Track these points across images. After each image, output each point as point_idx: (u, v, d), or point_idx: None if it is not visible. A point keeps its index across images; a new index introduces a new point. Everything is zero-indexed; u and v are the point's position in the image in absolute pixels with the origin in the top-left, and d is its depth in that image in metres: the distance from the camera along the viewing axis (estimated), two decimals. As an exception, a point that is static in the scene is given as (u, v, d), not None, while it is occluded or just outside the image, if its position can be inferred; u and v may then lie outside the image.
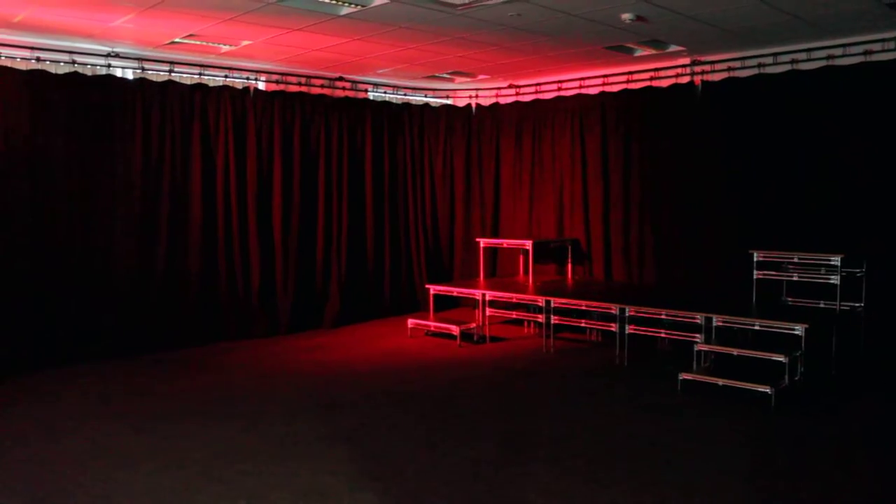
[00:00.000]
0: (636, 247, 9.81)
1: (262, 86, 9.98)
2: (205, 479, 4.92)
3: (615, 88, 10.03)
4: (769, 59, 8.62)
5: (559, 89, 10.70)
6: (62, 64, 8.30)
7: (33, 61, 8.11)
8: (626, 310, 7.88)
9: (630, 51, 8.99)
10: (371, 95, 11.20)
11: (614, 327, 8.02)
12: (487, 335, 9.35)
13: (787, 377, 6.63)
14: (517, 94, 11.31)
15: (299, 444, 5.60)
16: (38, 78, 8.08)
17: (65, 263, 8.29)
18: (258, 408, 6.57)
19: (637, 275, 9.79)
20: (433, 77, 11.05)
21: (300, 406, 6.61)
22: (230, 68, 9.56)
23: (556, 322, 8.58)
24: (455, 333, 9.20)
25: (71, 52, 8.33)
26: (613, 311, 7.99)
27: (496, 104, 11.52)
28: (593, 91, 10.27)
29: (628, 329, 7.92)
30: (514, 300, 9.10)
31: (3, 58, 7.94)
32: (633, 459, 5.26)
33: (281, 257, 10.03)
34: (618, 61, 9.54)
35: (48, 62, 8.21)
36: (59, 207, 8.25)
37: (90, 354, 8.29)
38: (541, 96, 10.95)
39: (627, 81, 9.90)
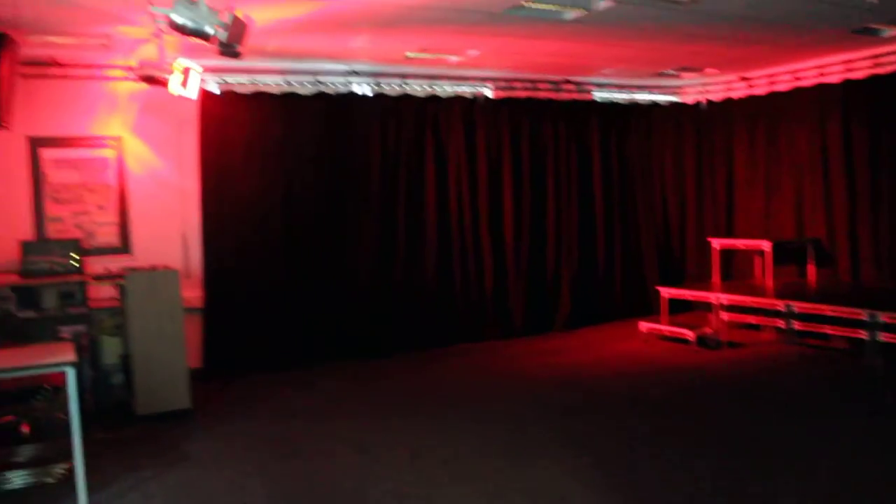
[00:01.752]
0: (887, 247, 9.01)
1: (489, 93, 10.25)
2: (444, 475, 5.17)
3: (860, 74, 9.28)
4: None
5: (795, 79, 10.09)
6: (307, 85, 9.03)
7: (284, 84, 8.90)
8: (878, 315, 7.30)
9: (877, 32, 8.29)
10: (597, 96, 11.15)
11: (864, 335, 7.45)
12: (724, 340, 9.01)
13: None
14: (749, 86, 10.79)
15: (536, 446, 5.71)
16: (290, 99, 8.89)
17: (314, 271, 9.00)
18: (495, 409, 6.78)
19: (889, 277, 9.00)
20: (660, 74, 10.81)
21: (536, 408, 6.74)
22: (459, 78, 9.91)
23: (798, 328, 8.11)
24: (690, 338, 8.95)
25: (315, 74, 9.03)
26: (863, 317, 7.43)
27: (727, 99, 11.06)
28: (834, 79, 9.58)
29: (880, 337, 7.32)
30: (751, 304, 8.71)
31: (259, 84, 8.78)
32: (884, 485, 4.87)
33: (513, 261, 10.22)
34: (862, 44, 8.84)
35: (296, 84, 8.96)
36: (308, 220, 9.00)
37: (338, 355, 8.94)
38: (775, 88, 10.38)
39: (875, 66, 9.14)
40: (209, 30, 5.07)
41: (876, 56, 9.09)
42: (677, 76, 10.98)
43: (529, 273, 10.36)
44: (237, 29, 5.04)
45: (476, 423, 6.35)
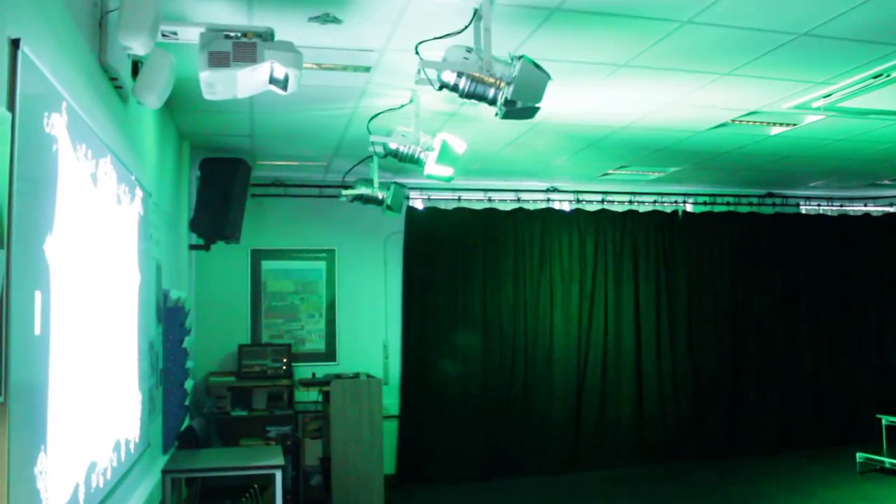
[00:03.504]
0: None
1: (690, 207, 10.11)
2: None
3: None
4: None
5: None
6: (508, 202, 9.33)
7: (485, 200, 9.25)
8: None
9: None
10: (804, 209, 10.69)
11: None
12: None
13: None
14: (980, 194, 9.99)
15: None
16: (489, 214, 9.24)
17: (506, 392, 9.09)
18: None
19: None
20: (873, 184, 10.25)
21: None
22: (659, 193, 9.87)
23: None
24: (915, 472, 8.15)
25: (516, 191, 9.33)
26: None
27: (951, 206, 10.29)
28: None
29: None
30: None
31: (462, 200, 9.17)
32: None
33: (713, 378, 9.80)
34: None
35: (497, 201, 9.28)
36: (506, 328, 9.13)
37: (525, 470, 8.92)
38: None
39: None
40: (420, 155, 5.40)
41: None
42: (894, 185, 10.35)
43: (730, 392, 9.88)
44: (449, 154, 5.30)
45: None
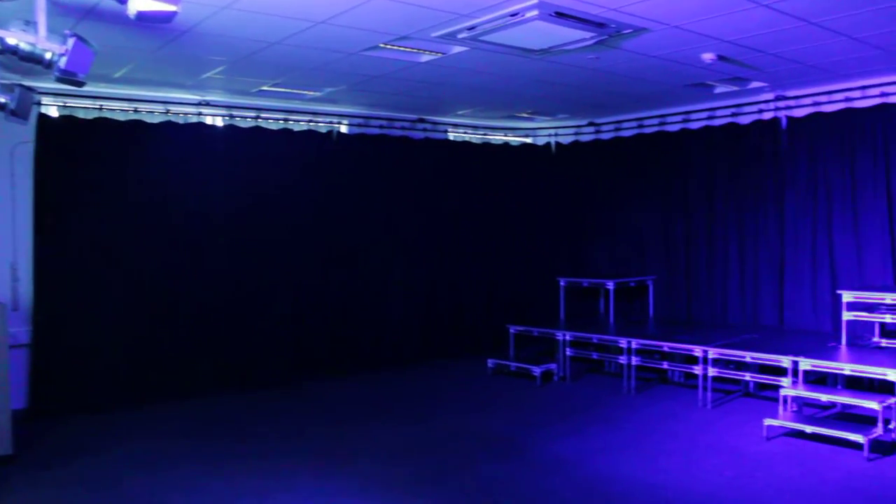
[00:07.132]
0: (720, 284, 9.66)
1: (344, 129, 10.24)
2: None
3: (696, 126, 9.93)
4: (857, 94, 8.42)
5: (640, 127, 10.66)
6: (156, 114, 8.74)
7: (131, 112, 8.57)
8: (710, 352, 7.74)
9: (711, 88, 8.87)
10: (451, 136, 11.34)
11: (697, 370, 7.88)
12: (568, 375, 9.29)
13: (880, 425, 6.38)
14: (598, 132, 11.28)
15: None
16: (136, 127, 8.56)
17: (154, 305, 8.69)
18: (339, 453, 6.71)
19: (721, 314, 9.62)
20: (512, 116, 11.14)
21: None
22: (314, 113, 9.87)
23: (639, 363, 8.49)
24: (536, 374, 9.17)
25: (165, 103, 8.77)
26: (696, 354, 7.85)
27: (576, 142, 11.52)
28: (674, 128, 10.20)
29: (711, 372, 7.78)
30: (594, 340, 9.03)
31: (104, 110, 8.40)
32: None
33: (361, 296, 10.22)
34: (699, 98, 9.45)
35: (144, 112, 8.65)
36: (150, 251, 8.66)
37: (171, 394, 8.64)
38: (621, 134, 10.92)
39: (709, 118, 9.80)
40: (46, 55, 4.80)
41: (711, 109, 9.77)
42: (530, 119, 11.34)
43: (376, 307, 10.38)
44: (81, 55, 4.78)
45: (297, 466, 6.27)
